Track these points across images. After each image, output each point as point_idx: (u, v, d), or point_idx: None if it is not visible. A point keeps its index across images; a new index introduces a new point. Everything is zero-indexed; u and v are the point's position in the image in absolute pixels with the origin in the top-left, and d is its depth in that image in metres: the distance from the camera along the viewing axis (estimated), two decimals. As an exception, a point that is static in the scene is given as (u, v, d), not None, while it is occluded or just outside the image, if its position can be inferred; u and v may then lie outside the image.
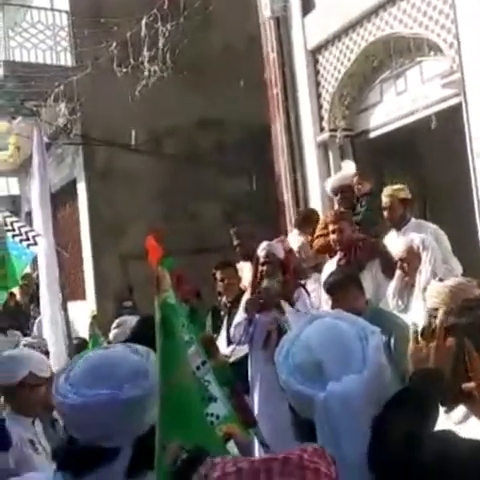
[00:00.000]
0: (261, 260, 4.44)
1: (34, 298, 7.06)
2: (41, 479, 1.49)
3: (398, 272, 4.45)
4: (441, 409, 1.40)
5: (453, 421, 1.54)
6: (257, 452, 3.20)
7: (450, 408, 1.53)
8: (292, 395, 1.28)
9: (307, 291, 4.61)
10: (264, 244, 4.51)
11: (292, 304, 4.31)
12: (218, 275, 5.24)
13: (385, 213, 4.96)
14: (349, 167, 6.40)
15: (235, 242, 6.10)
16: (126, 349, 1.40)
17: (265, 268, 4.39)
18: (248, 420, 1.66)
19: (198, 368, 1.50)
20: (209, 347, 1.55)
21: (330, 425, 1.21)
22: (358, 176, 5.88)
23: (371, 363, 1.25)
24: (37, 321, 6.83)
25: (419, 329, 1.41)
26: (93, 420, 1.30)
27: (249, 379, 4.28)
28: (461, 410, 1.54)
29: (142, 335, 2.16)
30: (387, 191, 4.99)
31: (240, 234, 6.13)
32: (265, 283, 4.37)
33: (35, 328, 6.61)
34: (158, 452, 1.25)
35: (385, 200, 4.94)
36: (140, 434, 1.33)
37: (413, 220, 4.96)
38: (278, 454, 1.00)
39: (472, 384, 1.41)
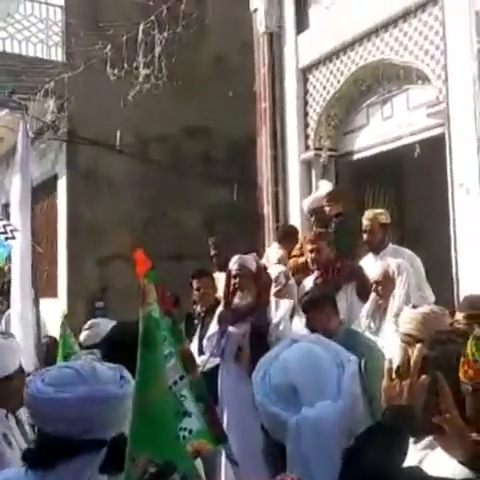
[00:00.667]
0: (233, 273, 4.46)
1: (4, 292, 6.94)
2: (16, 475, 1.49)
3: (372, 295, 4.52)
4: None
5: (418, 447, 1.57)
6: (223, 469, 3.21)
7: (419, 439, 1.55)
8: (266, 416, 1.30)
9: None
10: (236, 257, 4.53)
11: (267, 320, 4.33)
12: (194, 284, 5.27)
13: (365, 236, 5.02)
14: (325, 187, 6.45)
15: (212, 252, 6.13)
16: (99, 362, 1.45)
17: (237, 281, 4.41)
18: (219, 436, 1.67)
19: (175, 383, 1.51)
20: (187, 361, 1.57)
21: (301, 450, 1.22)
22: (328, 197, 5.91)
23: (346, 393, 1.27)
24: (5, 316, 6.72)
25: (394, 366, 1.43)
26: (74, 414, 1.33)
27: (218, 391, 4.29)
28: (427, 438, 1.57)
29: (116, 342, 2.16)
30: (368, 215, 5.06)
31: (217, 244, 6.17)
32: (237, 296, 4.39)
33: (3, 323, 6.50)
34: (127, 464, 1.26)
35: (366, 223, 5.00)
36: (118, 433, 1.36)
37: (391, 245, 5.03)
38: None
39: (443, 417, 1.44)
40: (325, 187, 6.44)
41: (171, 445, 1.33)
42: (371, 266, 4.83)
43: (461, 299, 4.74)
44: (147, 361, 1.33)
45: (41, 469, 1.37)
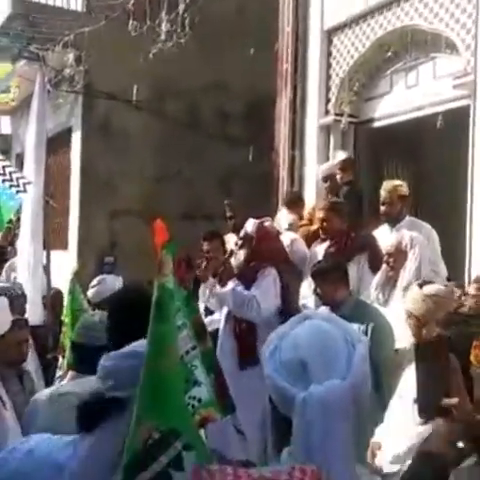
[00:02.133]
0: (240, 235, 4.59)
1: (14, 244, 6.96)
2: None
3: (383, 266, 4.49)
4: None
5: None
6: (232, 440, 3.29)
7: (428, 419, 1.54)
8: (274, 390, 1.30)
9: (281, 275, 4.54)
10: (249, 221, 4.60)
11: (253, 281, 4.32)
12: (204, 246, 5.24)
13: (382, 208, 4.94)
14: (340, 156, 6.43)
15: (227, 214, 6.11)
16: None
17: (239, 243, 4.53)
18: (227, 406, 1.68)
19: (187, 352, 1.51)
20: (200, 332, 1.56)
21: (305, 426, 1.22)
22: (340, 165, 5.93)
23: (355, 372, 1.26)
24: (7, 266, 6.73)
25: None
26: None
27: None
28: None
29: (123, 305, 2.15)
30: (387, 186, 4.98)
31: (233, 207, 6.16)
32: (233, 257, 4.52)
33: (4, 272, 6.52)
34: (133, 427, 1.27)
35: (384, 195, 4.92)
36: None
37: (408, 218, 4.96)
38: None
39: (453, 401, 1.42)
40: (340, 156, 6.41)
41: (178, 414, 1.34)
42: (386, 237, 4.78)
43: (473, 274, 4.71)
44: (159, 332, 1.33)
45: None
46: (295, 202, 6.19)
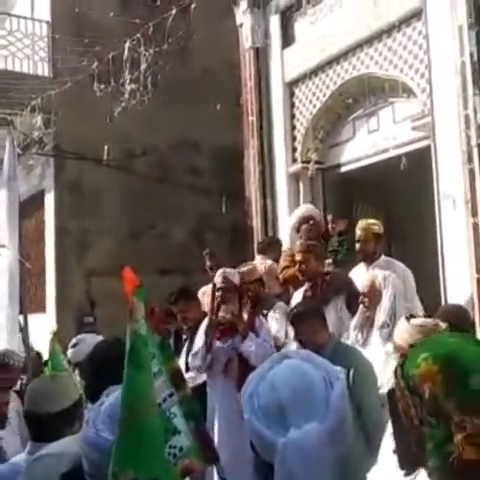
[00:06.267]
0: (217, 286, 4.49)
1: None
2: None
3: (360, 306, 4.54)
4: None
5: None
6: None
7: (409, 472, 1.47)
8: (253, 435, 1.28)
9: (266, 319, 4.64)
10: (220, 270, 4.57)
11: (255, 332, 4.33)
12: (175, 308, 5.17)
13: (357, 246, 5.03)
14: (302, 209, 6.53)
15: (208, 263, 6.09)
16: None
17: (220, 294, 4.44)
18: (211, 456, 1.66)
19: (164, 400, 1.51)
20: (177, 379, 1.57)
21: (286, 473, 1.20)
22: (332, 215, 6.05)
23: (333, 413, 1.24)
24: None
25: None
26: None
27: (208, 407, 4.26)
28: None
29: (98, 360, 2.15)
30: (362, 224, 5.07)
31: (213, 255, 6.14)
32: (222, 310, 4.40)
33: None
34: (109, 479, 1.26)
35: (359, 233, 5.00)
36: None
37: (383, 257, 5.03)
38: None
39: None
40: (303, 208, 6.53)
41: (158, 463, 1.32)
42: (362, 276, 4.84)
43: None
44: (134, 379, 1.33)
45: None
46: (268, 247, 6.18)
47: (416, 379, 1.21)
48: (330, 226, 6.05)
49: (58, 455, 1.84)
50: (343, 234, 5.91)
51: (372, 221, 5.21)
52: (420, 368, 1.21)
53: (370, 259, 4.97)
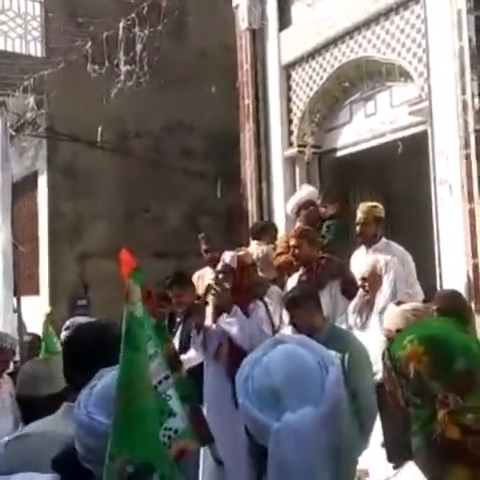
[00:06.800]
0: (218, 269, 4.53)
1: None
2: None
3: (360, 290, 4.54)
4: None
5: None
6: (206, 470, 3.21)
7: (398, 464, 1.47)
8: (248, 420, 1.27)
9: (266, 304, 4.62)
10: (225, 253, 4.55)
11: (247, 315, 4.32)
12: (170, 293, 5.15)
13: (358, 228, 5.01)
14: (305, 190, 6.49)
15: (203, 247, 6.07)
16: None
17: (220, 276, 4.45)
18: (206, 437, 1.66)
19: (160, 382, 1.49)
20: (173, 361, 1.55)
21: (280, 456, 1.19)
22: (322, 198, 5.99)
23: (328, 398, 1.23)
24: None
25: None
26: None
27: (203, 388, 4.28)
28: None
29: (81, 343, 2.12)
30: (363, 207, 5.06)
31: (209, 239, 6.11)
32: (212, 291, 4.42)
33: None
34: (107, 463, 1.25)
35: (360, 216, 4.99)
36: None
37: (383, 240, 5.02)
38: None
39: None
40: (305, 189, 6.47)
41: (151, 446, 1.31)
42: (362, 259, 4.84)
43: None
44: (129, 361, 1.32)
45: None
46: (262, 231, 6.13)
47: (402, 360, 1.26)
48: (321, 209, 5.99)
49: (40, 435, 1.83)
50: (334, 218, 5.89)
51: (374, 204, 5.20)
52: (406, 349, 1.26)
53: (370, 242, 4.97)
